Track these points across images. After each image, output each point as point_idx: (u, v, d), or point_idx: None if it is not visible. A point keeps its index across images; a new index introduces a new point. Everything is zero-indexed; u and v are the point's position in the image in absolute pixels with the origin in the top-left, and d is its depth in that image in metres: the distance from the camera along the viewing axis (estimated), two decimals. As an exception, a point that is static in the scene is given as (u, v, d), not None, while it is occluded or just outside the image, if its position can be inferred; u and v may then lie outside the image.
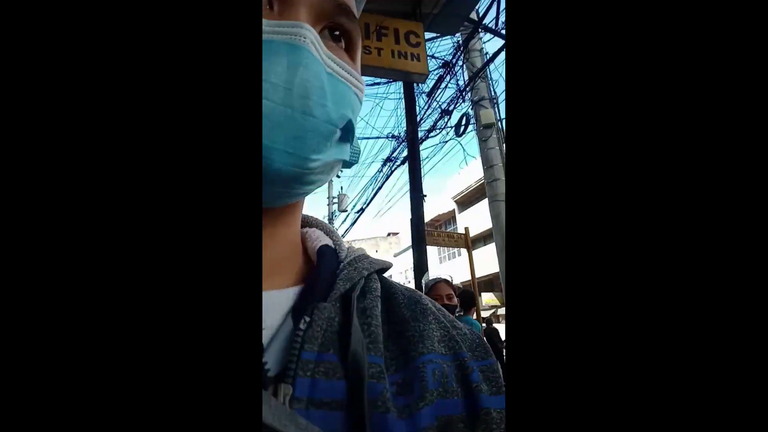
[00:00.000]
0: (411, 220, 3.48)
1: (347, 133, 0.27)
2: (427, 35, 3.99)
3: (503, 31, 4.01)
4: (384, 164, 5.52)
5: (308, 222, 0.36)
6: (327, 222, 0.37)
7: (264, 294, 0.24)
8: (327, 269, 0.29)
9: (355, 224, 8.23)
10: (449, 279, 1.91)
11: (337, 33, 0.27)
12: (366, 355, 0.24)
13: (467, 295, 2.42)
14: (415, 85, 4.07)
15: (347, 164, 0.30)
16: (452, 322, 0.31)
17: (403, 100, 4.00)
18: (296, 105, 0.23)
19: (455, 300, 1.72)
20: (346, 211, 10.16)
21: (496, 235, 4.08)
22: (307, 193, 0.29)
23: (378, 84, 4.10)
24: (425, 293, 1.69)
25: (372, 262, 0.32)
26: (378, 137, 5.08)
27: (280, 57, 0.23)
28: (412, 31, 3.58)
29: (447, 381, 0.25)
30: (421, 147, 4.04)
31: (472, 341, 0.30)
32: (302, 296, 0.27)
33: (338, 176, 11.10)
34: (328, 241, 0.33)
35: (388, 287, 0.32)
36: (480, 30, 4.39)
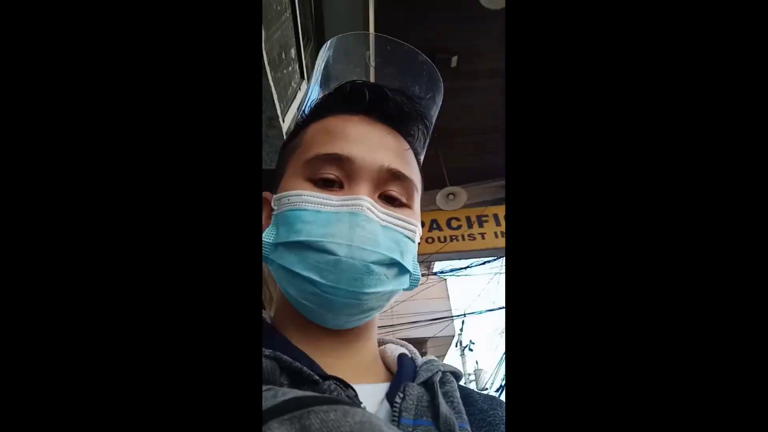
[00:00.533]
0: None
1: (401, 267, 0.34)
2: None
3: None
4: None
5: (384, 341, 0.42)
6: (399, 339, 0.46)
7: (360, 386, 0.29)
8: (408, 368, 0.35)
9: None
10: None
11: (394, 196, 0.36)
12: (457, 422, 0.28)
13: None
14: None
15: (409, 289, 0.38)
16: None
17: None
18: (355, 255, 0.31)
19: None
20: (487, 389, 9.10)
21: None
22: (373, 315, 0.36)
23: (490, 259, 4.37)
24: None
25: (444, 365, 0.36)
26: (492, 309, 5.01)
27: (344, 222, 0.32)
28: (510, 212, 4.02)
29: None
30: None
31: None
32: (392, 386, 0.32)
33: (471, 349, 10.46)
34: (405, 351, 0.39)
35: (463, 388, 0.36)
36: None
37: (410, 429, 0.28)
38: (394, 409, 0.29)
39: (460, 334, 9.40)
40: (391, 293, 0.35)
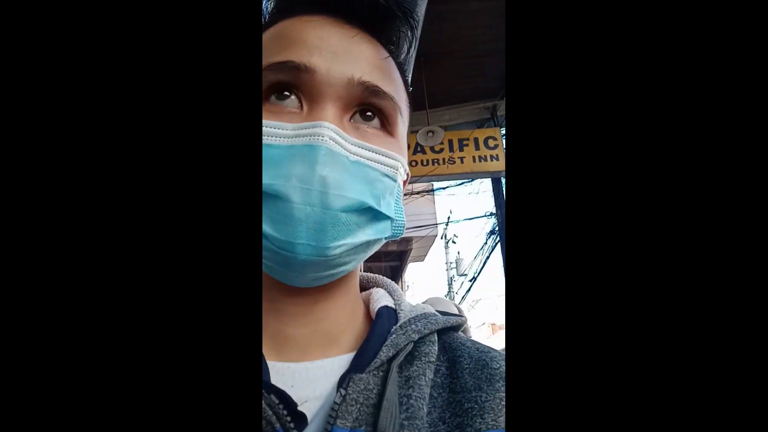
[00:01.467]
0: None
1: (377, 213, 0.27)
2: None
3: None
4: (488, 237, 5.96)
5: (373, 283, 0.37)
6: (391, 281, 0.38)
7: (317, 363, 0.26)
8: (379, 334, 0.29)
9: (470, 291, 8.52)
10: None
11: (370, 113, 0.28)
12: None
13: None
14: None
15: (392, 237, 0.31)
16: None
17: (492, 191, 4.55)
18: (315, 201, 0.25)
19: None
20: (466, 275, 10.50)
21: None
22: (344, 272, 0.29)
23: (465, 181, 4.77)
24: None
25: (430, 323, 0.30)
26: (476, 217, 5.58)
27: (299, 159, 0.25)
28: (491, 136, 4.24)
29: None
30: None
31: None
32: (352, 364, 0.27)
33: (454, 242, 11.67)
34: (389, 302, 0.33)
35: (454, 349, 0.30)
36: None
37: None
38: (332, 412, 0.24)
39: (445, 227, 10.34)
40: (368, 245, 0.29)
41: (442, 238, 11.47)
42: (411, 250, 7.52)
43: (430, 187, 5.52)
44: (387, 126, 0.30)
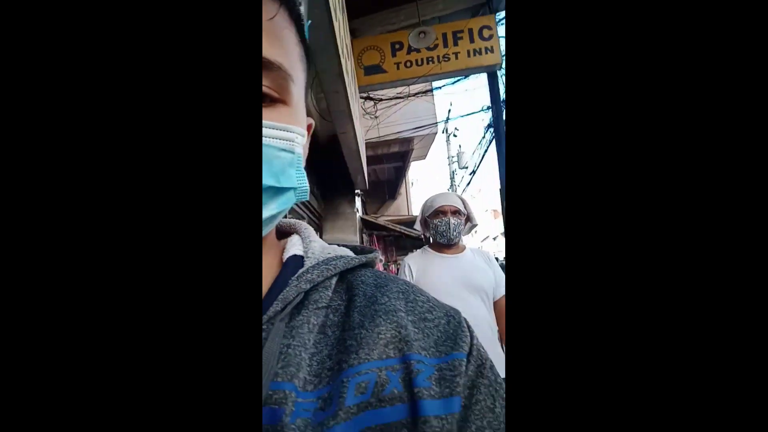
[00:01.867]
0: (500, 190, 4.25)
1: (276, 189, 0.27)
2: (503, 14, 4.40)
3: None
4: (486, 131, 6.13)
5: (294, 229, 0.36)
6: (307, 223, 0.36)
7: None
8: (279, 288, 0.28)
9: (470, 184, 9.00)
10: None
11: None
12: (270, 382, 0.23)
13: None
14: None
15: (297, 201, 0.30)
16: (422, 315, 0.29)
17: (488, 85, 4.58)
18: None
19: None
20: (467, 167, 10.87)
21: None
22: None
23: (460, 78, 4.73)
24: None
25: (329, 269, 0.30)
26: (473, 113, 5.69)
27: None
28: (485, 25, 4.10)
29: (383, 390, 0.24)
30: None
31: (442, 334, 0.28)
32: None
33: (455, 135, 11.71)
34: (299, 249, 0.32)
35: (353, 288, 0.30)
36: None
37: None
38: None
39: (445, 123, 10.34)
40: (273, 218, 0.28)
41: (443, 132, 11.50)
42: (413, 150, 7.74)
43: (429, 87, 5.48)
44: (279, 95, 0.27)
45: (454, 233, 1.43)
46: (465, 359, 0.26)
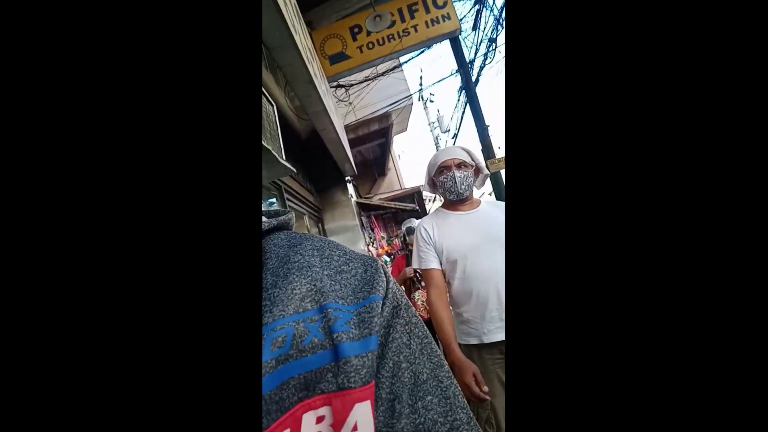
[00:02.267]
0: (481, 151, 4.46)
1: None
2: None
3: None
4: (459, 93, 6.25)
5: None
6: None
7: None
8: None
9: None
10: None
11: None
12: None
13: None
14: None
15: None
16: (339, 268, 0.29)
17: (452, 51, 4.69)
18: None
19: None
20: (449, 130, 10.97)
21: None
22: None
23: (424, 49, 4.81)
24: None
25: None
26: (442, 79, 5.80)
27: None
28: (438, -8, 4.17)
29: (302, 340, 0.24)
30: (485, 71, 4.63)
31: (359, 282, 0.28)
32: None
33: (431, 101, 11.73)
34: None
35: (266, 252, 0.30)
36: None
37: None
38: None
39: (420, 89, 10.35)
40: None
41: (419, 100, 11.52)
42: (393, 124, 7.84)
43: (397, 63, 5.55)
44: None
45: (463, 187, 1.32)
46: (381, 301, 0.27)
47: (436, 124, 11.83)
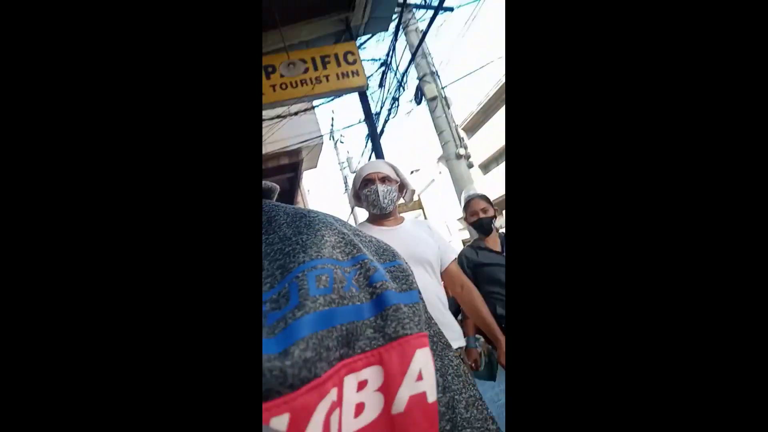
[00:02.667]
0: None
1: None
2: (364, 38, 5.05)
3: (431, 3, 4.95)
4: (367, 140, 6.80)
5: None
6: None
7: None
8: None
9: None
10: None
11: None
12: None
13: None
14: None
15: None
16: (355, 230, 0.29)
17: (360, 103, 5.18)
18: None
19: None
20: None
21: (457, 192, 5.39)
22: None
23: (332, 98, 5.25)
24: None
25: None
26: (352, 125, 6.28)
27: None
28: (349, 51, 4.66)
29: (342, 286, 0.22)
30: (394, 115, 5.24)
31: (378, 246, 0.28)
32: None
33: (341, 142, 12.29)
34: None
35: (267, 212, 0.29)
36: (411, 11, 5.33)
37: None
38: None
39: (332, 130, 10.81)
40: None
41: (330, 139, 11.97)
42: (302, 160, 8.01)
43: (309, 106, 5.84)
44: None
45: (386, 201, 1.33)
46: (406, 266, 0.27)
47: (346, 164, 12.34)
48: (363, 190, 1.39)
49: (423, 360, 0.22)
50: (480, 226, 1.68)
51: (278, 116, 5.35)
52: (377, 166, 1.40)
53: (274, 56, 4.43)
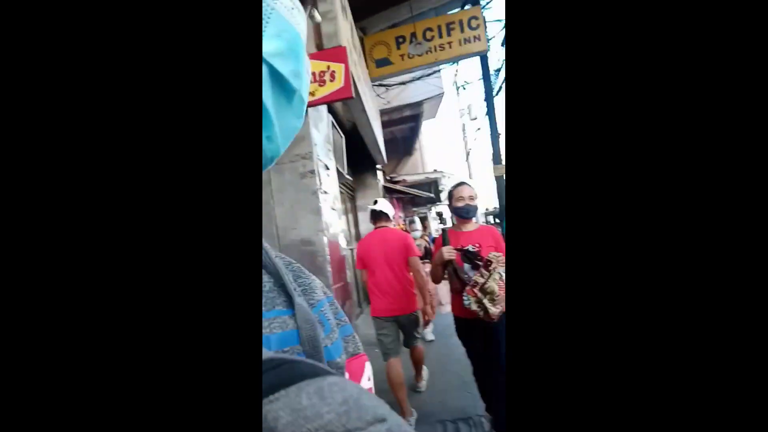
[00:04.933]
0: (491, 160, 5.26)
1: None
2: (492, -3, 5.10)
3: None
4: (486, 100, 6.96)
5: None
6: None
7: None
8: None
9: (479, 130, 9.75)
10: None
11: None
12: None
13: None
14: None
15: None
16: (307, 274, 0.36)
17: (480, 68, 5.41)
18: None
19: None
20: (476, 118, 11.51)
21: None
22: None
23: (451, 63, 5.51)
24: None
25: None
26: (469, 83, 6.50)
27: None
28: (473, 16, 4.85)
29: (336, 313, 0.35)
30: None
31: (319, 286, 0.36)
32: None
33: (464, 88, 12.09)
34: None
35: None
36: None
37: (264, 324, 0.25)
38: None
39: (455, 82, 10.84)
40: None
41: (452, 84, 11.97)
42: (422, 112, 8.59)
43: (433, 70, 6.27)
44: None
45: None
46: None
47: (466, 110, 12.35)
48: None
49: (369, 368, 0.35)
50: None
51: (401, 83, 5.97)
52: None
53: (404, 27, 4.95)
